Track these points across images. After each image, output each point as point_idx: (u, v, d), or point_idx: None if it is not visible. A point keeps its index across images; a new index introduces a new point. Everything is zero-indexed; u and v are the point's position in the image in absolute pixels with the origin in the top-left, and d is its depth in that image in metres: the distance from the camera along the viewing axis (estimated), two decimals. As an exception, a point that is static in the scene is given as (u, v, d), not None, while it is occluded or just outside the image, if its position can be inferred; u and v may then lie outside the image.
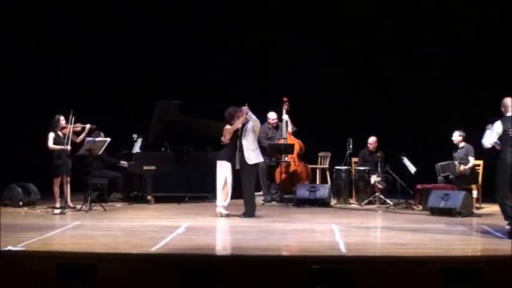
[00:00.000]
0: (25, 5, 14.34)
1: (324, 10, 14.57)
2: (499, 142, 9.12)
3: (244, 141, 11.03)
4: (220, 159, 11.15)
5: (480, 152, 11.22)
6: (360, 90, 14.75)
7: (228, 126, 11.13)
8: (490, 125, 9.29)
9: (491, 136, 9.16)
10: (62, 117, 11.89)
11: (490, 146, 9.27)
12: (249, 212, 11.05)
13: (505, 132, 9.00)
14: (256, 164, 11.28)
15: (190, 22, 14.82)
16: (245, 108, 11.03)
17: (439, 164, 12.57)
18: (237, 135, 11.13)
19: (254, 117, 11.10)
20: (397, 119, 14.31)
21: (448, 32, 14.16)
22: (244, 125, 11.10)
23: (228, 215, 11.06)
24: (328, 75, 14.68)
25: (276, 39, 14.67)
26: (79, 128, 12.04)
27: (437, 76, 14.26)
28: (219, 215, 11.08)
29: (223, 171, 11.09)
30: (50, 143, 11.81)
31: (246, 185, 11.08)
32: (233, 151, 11.12)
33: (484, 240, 8.99)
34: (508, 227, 9.05)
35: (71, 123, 11.76)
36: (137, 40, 14.88)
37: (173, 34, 14.82)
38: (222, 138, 11.13)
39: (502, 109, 9.14)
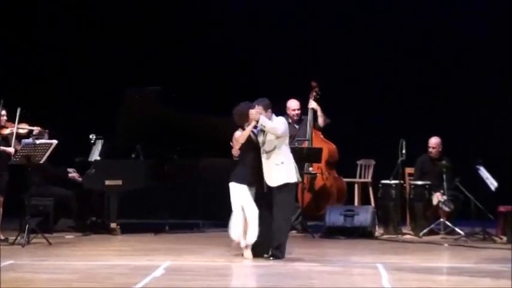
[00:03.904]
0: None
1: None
2: None
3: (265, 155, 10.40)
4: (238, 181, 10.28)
5: None
6: (414, 71, 14.85)
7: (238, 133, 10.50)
8: None
9: None
10: (3, 112, 11.68)
11: None
12: (281, 250, 10.35)
13: None
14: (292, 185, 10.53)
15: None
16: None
17: None
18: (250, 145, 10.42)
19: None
20: (469, 112, 14.33)
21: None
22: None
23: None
24: (368, 51, 14.89)
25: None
26: (25, 131, 11.84)
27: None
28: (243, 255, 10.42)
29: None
30: None
31: (278, 211, 10.26)
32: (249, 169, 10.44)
33: None
34: None
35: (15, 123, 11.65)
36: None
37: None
38: (233, 151, 10.50)
39: None
